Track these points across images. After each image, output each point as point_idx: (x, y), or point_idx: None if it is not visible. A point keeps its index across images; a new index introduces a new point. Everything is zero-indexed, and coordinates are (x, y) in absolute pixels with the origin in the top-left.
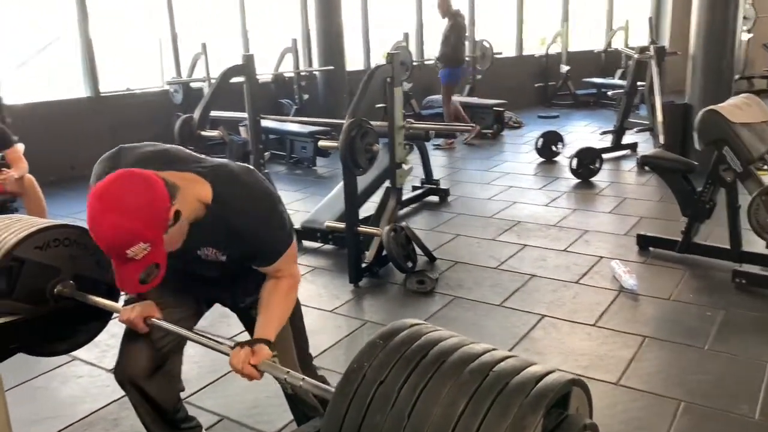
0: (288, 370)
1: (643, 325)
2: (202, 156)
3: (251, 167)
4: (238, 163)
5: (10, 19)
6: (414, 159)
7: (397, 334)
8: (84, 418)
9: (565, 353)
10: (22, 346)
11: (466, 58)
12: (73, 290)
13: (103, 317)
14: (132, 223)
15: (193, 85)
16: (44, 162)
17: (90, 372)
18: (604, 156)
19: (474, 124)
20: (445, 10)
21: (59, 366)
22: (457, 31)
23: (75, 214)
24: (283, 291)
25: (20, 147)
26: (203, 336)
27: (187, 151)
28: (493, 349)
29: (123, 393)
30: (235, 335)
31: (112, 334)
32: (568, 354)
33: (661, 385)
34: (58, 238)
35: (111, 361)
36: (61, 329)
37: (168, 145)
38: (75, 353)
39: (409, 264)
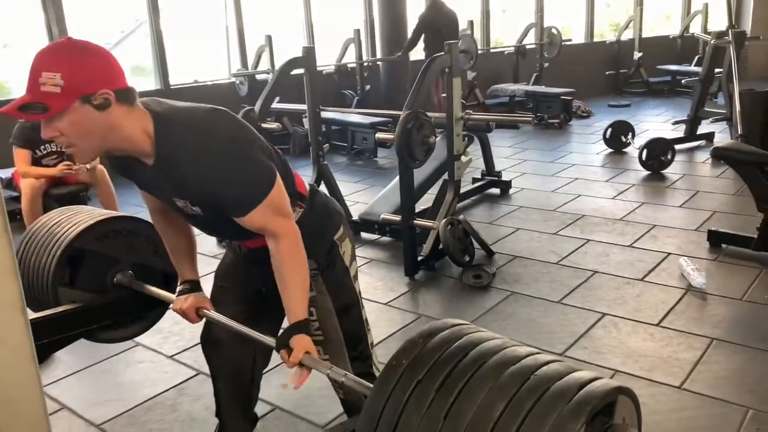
0: (331, 365)
1: (712, 327)
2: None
3: (220, 108)
4: (209, 106)
5: (85, 13)
6: (476, 150)
7: (437, 334)
8: (144, 402)
9: (625, 354)
10: (83, 333)
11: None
12: (131, 280)
13: (160, 306)
14: (68, 57)
15: (258, 77)
16: None
17: (152, 357)
18: (677, 147)
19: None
20: None
21: (123, 351)
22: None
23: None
24: (286, 254)
25: None
26: (252, 330)
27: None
28: (538, 353)
29: (181, 379)
30: None
31: (175, 321)
32: (629, 355)
33: (727, 391)
34: (117, 229)
35: (172, 347)
36: (121, 317)
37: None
38: (138, 339)
39: (466, 258)
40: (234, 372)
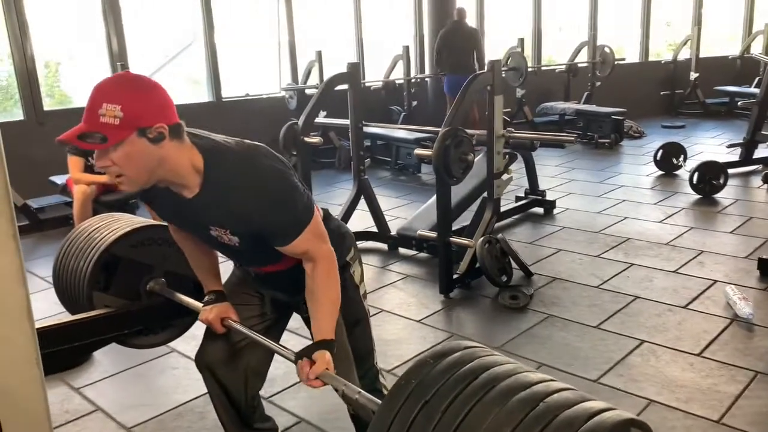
0: (346, 382)
1: (756, 360)
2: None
3: (260, 144)
4: (248, 141)
5: (146, 27)
6: (520, 169)
7: (449, 355)
8: (174, 408)
9: (662, 383)
10: (115, 337)
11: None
12: (163, 287)
13: (189, 315)
14: (127, 90)
15: (307, 91)
16: None
17: (185, 364)
18: (731, 171)
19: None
20: None
21: (159, 356)
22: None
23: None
24: (323, 277)
25: None
26: (272, 342)
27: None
28: (551, 380)
29: None
30: None
31: None
32: (666, 384)
33: None
34: (152, 237)
35: None
36: (151, 323)
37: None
38: (173, 345)
39: (503, 278)
40: (227, 394)
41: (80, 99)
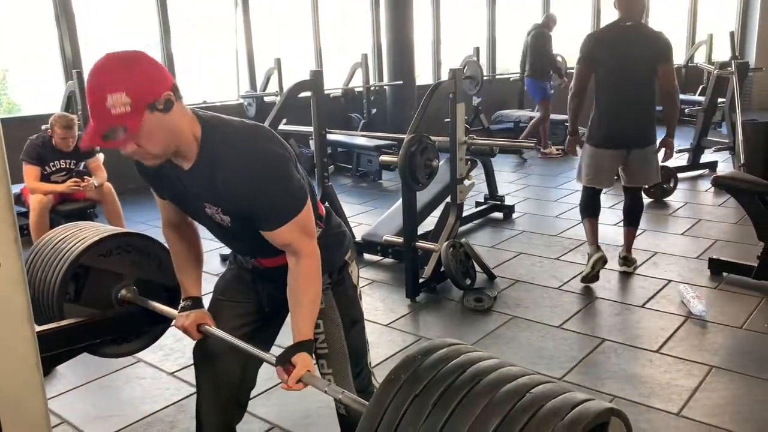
0: (329, 381)
1: (711, 354)
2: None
3: (262, 126)
4: (252, 122)
5: (97, 33)
6: (479, 175)
7: (436, 351)
8: (143, 418)
9: (624, 380)
10: (87, 347)
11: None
12: (135, 295)
13: (163, 322)
14: (124, 72)
15: (266, 99)
16: (124, 171)
17: (153, 374)
18: (680, 175)
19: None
20: None
21: (125, 367)
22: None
23: (151, 221)
24: (305, 273)
25: (101, 157)
26: (250, 347)
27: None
28: (533, 374)
29: (181, 396)
30: None
31: (177, 338)
32: (628, 380)
33: (726, 419)
34: (122, 245)
35: (173, 364)
36: (124, 332)
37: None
38: (140, 355)
39: (468, 281)
40: (220, 388)
41: (30, 107)
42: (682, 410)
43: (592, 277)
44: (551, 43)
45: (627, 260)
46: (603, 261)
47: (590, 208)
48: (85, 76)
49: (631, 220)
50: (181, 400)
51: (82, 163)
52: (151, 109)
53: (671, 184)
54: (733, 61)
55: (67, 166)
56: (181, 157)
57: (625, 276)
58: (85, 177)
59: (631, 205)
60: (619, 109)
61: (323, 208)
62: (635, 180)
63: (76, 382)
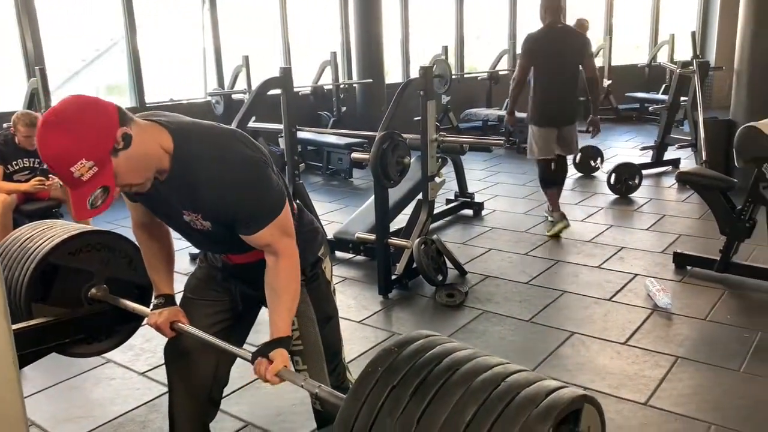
0: (305, 377)
1: (677, 345)
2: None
3: (237, 130)
4: (224, 125)
5: (62, 31)
6: (449, 173)
7: (412, 343)
8: (114, 419)
9: (593, 371)
10: (57, 347)
11: None
12: (106, 293)
13: (135, 320)
14: (73, 139)
15: (234, 96)
16: None
17: (123, 374)
18: (645, 172)
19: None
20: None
21: (94, 367)
22: None
23: (117, 220)
24: (284, 273)
25: None
26: (226, 343)
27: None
28: (507, 363)
29: (152, 396)
30: None
31: (147, 338)
32: (597, 372)
33: (692, 408)
34: (91, 243)
35: (143, 364)
36: (95, 331)
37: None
38: (109, 355)
39: (439, 277)
40: (193, 385)
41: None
42: (649, 400)
43: (555, 236)
44: None
45: (554, 216)
46: (566, 227)
47: (549, 178)
48: (48, 73)
49: (559, 181)
50: (153, 399)
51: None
52: (114, 153)
53: (636, 181)
54: (694, 61)
55: (31, 165)
56: (157, 171)
57: (593, 270)
58: (50, 176)
59: (559, 169)
60: (554, 95)
61: (295, 206)
62: (564, 150)
63: (44, 384)
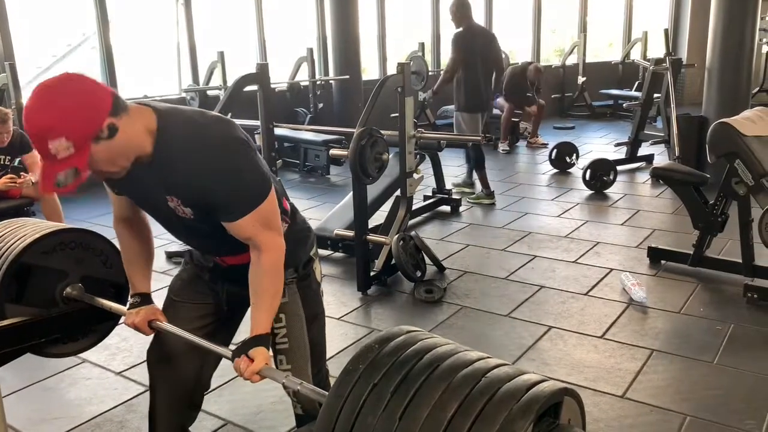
0: (287, 374)
1: (652, 339)
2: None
3: (224, 116)
4: (212, 112)
5: (32, 25)
6: (427, 169)
7: (393, 339)
8: (91, 419)
9: (571, 365)
10: (31, 347)
11: None
12: (81, 293)
13: (111, 319)
14: (59, 116)
15: (209, 92)
16: None
17: (99, 374)
18: (619, 168)
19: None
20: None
21: (69, 368)
22: None
23: (91, 218)
24: (267, 268)
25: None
26: (206, 341)
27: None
28: (488, 357)
29: (130, 396)
30: None
31: (123, 337)
32: (575, 366)
33: (667, 399)
34: (64, 242)
35: (120, 363)
36: (71, 330)
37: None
38: (85, 355)
39: (418, 273)
40: (175, 389)
41: None
42: (626, 392)
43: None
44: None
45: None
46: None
47: (483, 161)
48: (19, 69)
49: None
50: (130, 399)
51: (18, 159)
52: (96, 141)
53: (611, 177)
54: (667, 58)
55: (2, 162)
56: (142, 152)
57: (569, 265)
58: (22, 173)
59: (480, 152)
60: (481, 85)
61: (287, 204)
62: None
63: (18, 385)
